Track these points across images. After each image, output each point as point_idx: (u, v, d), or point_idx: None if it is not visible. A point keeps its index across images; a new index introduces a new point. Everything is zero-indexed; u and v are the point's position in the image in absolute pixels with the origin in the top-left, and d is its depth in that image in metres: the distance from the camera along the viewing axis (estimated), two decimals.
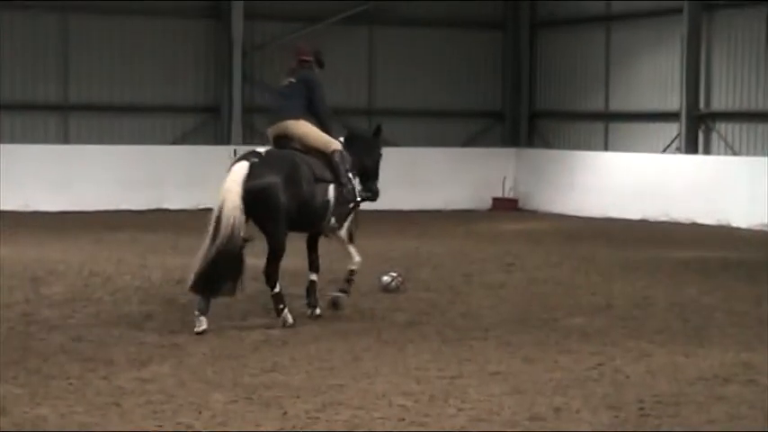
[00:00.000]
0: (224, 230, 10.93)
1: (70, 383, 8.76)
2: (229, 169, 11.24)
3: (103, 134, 25.89)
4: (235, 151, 25.93)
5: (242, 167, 11.17)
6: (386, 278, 13.97)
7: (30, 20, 25.54)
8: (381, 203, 28.02)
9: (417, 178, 26.62)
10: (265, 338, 10.75)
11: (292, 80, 12.13)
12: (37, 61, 25.72)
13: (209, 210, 25.04)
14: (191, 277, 11.12)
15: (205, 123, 27.01)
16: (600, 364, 9.71)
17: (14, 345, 10.22)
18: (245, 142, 26.46)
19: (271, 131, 11.99)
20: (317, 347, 10.37)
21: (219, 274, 11.01)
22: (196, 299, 11.17)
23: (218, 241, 10.92)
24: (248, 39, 26.70)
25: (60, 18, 25.83)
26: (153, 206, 25.00)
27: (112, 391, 8.52)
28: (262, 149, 11.59)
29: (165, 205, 25.15)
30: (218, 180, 26.93)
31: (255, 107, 27.00)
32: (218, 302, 12.63)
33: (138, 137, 26.05)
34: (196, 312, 11.02)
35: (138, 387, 8.67)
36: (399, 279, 13.98)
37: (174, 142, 26.48)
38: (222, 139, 26.62)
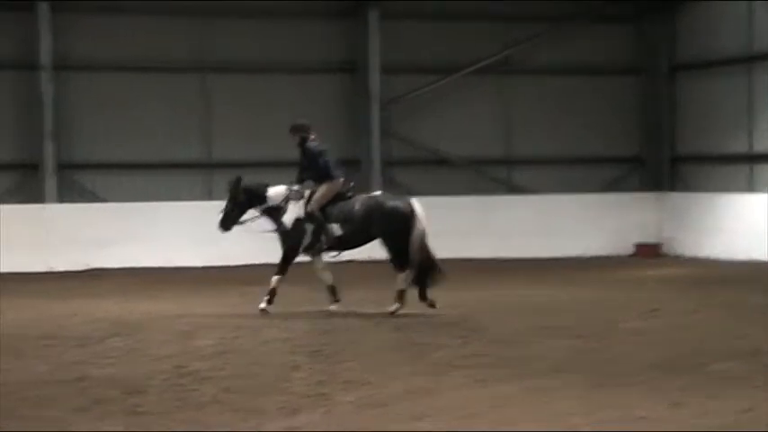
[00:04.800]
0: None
1: None
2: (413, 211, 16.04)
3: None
4: None
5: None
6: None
7: (173, 82, 26.22)
8: (520, 251, 28.10)
9: (556, 225, 26.55)
10: (409, 387, 10.87)
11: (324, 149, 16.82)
12: (180, 121, 26.38)
13: (351, 262, 25.09)
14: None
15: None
16: (750, 410, 9.59)
17: (169, 396, 10.51)
18: None
19: (336, 186, 16.36)
20: (460, 395, 10.45)
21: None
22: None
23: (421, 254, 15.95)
24: (385, 92, 27.03)
25: (201, 78, 26.48)
26: (296, 259, 25.30)
27: None
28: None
29: (304, 259, 25.43)
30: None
31: (395, 160, 27.27)
32: (364, 353, 12.85)
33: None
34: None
35: None
36: None
37: None
38: (362, 192, 26.88)
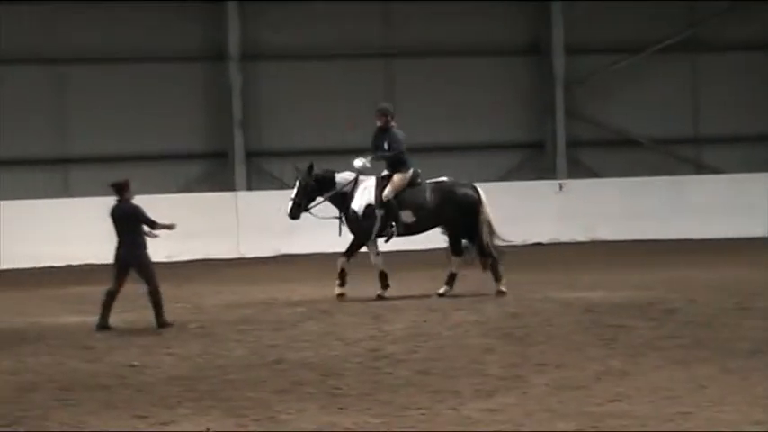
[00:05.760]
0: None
1: (422, 414, 9.08)
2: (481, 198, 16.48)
3: (429, 174, 26.28)
4: (560, 186, 26.13)
5: None
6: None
7: (359, 68, 26.43)
8: (710, 231, 27.39)
9: (748, 205, 25.91)
10: (606, 369, 10.80)
11: None
12: (365, 106, 26.50)
13: (537, 245, 24.86)
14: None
15: (529, 159, 27.22)
16: None
17: (365, 378, 10.67)
18: (570, 176, 26.55)
19: (409, 176, 16.45)
20: (659, 377, 10.34)
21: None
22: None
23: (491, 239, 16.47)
24: (570, 72, 26.79)
25: (387, 63, 26.66)
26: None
27: (462, 421, 8.78)
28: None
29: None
30: (544, 214, 26.92)
31: (579, 141, 27.01)
32: (556, 335, 12.78)
33: (464, 175, 26.38)
34: None
35: (486, 417, 8.89)
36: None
37: (499, 179, 26.76)
38: (546, 174, 26.76)
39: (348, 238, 16.55)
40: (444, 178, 17.12)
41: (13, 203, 23.51)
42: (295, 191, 16.42)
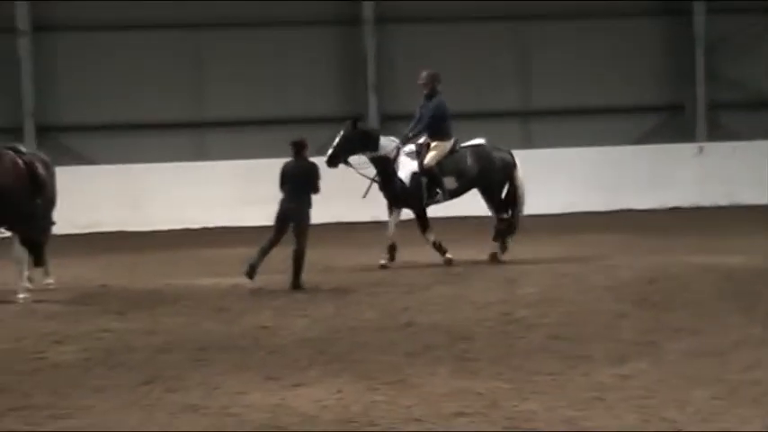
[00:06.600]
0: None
1: (553, 379, 8.98)
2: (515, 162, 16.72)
3: (563, 137, 26.12)
4: (700, 148, 25.63)
5: None
6: None
7: (487, 31, 26.21)
8: None
9: None
10: (744, 337, 10.55)
11: None
12: (496, 69, 26.38)
13: (675, 209, 24.13)
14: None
15: (668, 122, 26.77)
16: None
17: (496, 343, 10.59)
18: (709, 139, 26.03)
19: (450, 144, 16.46)
20: None
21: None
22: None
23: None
24: (710, 33, 26.20)
25: (517, 25, 26.41)
26: (616, 207, 24.98)
27: (594, 387, 8.66)
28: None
29: (629, 206, 25.08)
30: (683, 178, 26.34)
31: (720, 104, 26.45)
32: (693, 301, 12.52)
33: (599, 138, 26.13)
34: None
35: (619, 383, 8.76)
36: None
37: (637, 142, 26.38)
38: (686, 136, 26.28)
39: (373, 201, 16.73)
40: (481, 141, 16.97)
41: (152, 166, 23.93)
42: (336, 140, 16.31)
